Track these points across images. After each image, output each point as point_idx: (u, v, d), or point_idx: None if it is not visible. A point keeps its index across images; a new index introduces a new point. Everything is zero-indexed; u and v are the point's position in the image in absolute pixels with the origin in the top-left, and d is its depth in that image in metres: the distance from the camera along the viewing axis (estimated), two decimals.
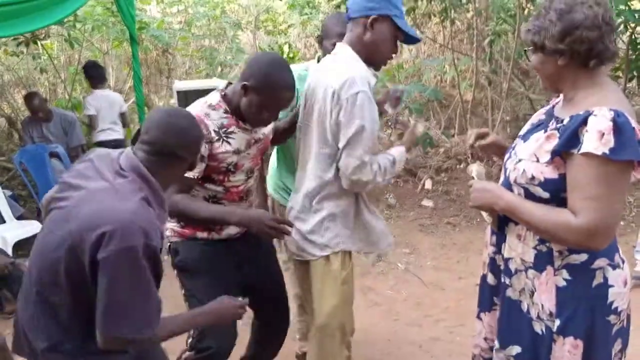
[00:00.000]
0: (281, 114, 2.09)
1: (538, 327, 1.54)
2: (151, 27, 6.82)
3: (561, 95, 1.56)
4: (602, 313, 1.45)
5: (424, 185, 5.35)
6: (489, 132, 1.85)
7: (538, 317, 1.53)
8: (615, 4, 3.55)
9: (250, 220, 1.90)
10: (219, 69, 7.26)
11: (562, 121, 1.44)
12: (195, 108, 1.92)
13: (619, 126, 1.31)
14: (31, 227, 3.81)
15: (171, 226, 2.07)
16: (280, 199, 2.58)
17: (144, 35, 6.69)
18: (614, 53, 1.42)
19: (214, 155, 1.90)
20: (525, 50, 1.52)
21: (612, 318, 1.46)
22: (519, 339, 1.58)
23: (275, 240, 2.39)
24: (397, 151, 2.02)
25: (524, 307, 1.57)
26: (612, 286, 1.45)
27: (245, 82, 1.85)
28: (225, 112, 1.93)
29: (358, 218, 2.00)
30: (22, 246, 4.00)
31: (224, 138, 1.91)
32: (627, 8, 3.70)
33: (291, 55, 7.19)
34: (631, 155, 1.31)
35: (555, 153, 1.40)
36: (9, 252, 3.51)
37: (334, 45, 2.27)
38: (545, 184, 1.43)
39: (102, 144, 4.87)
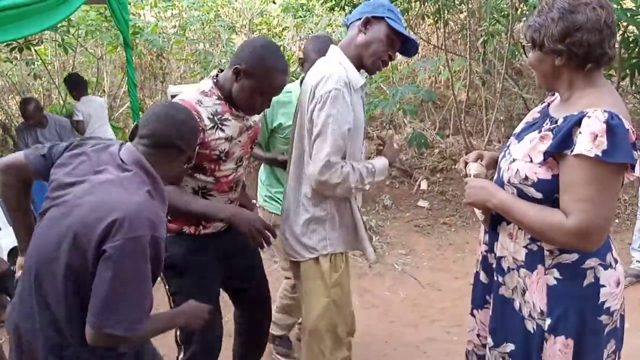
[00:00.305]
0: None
1: (530, 326, 1.54)
2: (145, 31, 6.81)
3: (557, 94, 1.57)
4: (593, 313, 1.45)
5: (419, 186, 5.36)
6: (481, 153, 1.81)
7: (530, 315, 1.53)
8: None
9: (241, 220, 1.89)
10: (214, 72, 7.25)
11: (556, 121, 1.44)
12: (188, 95, 1.89)
13: (613, 128, 1.30)
14: None
15: None
16: (270, 207, 2.63)
17: (138, 39, 6.69)
18: (611, 58, 1.41)
19: (207, 143, 1.86)
20: (523, 47, 1.52)
21: (603, 318, 1.46)
22: (512, 337, 1.58)
23: (274, 248, 2.40)
24: (380, 162, 1.99)
25: (516, 305, 1.58)
26: (603, 286, 1.45)
27: (237, 66, 1.80)
28: (219, 98, 1.89)
29: (347, 219, 1.98)
30: (17, 254, 3.98)
31: (219, 125, 1.88)
32: (619, 7, 3.72)
33: (285, 58, 7.19)
34: (623, 158, 1.31)
35: (548, 154, 1.40)
36: (4, 258, 3.49)
37: (313, 55, 2.33)
38: (539, 185, 1.43)
39: None
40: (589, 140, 1.31)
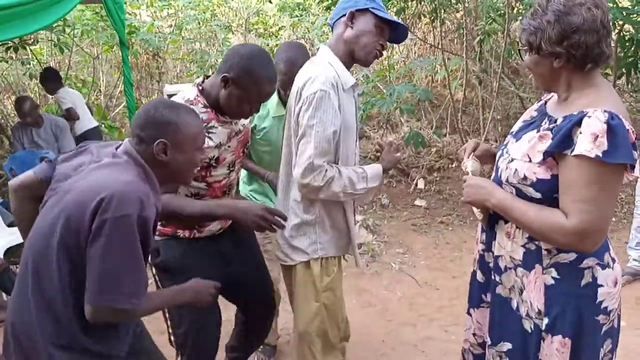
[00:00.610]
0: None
1: (527, 325, 1.54)
2: (141, 31, 6.80)
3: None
4: (591, 312, 1.45)
5: (416, 185, 5.37)
6: (480, 142, 1.85)
7: (527, 314, 1.53)
8: None
9: (242, 213, 1.82)
10: (210, 72, 7.24)
11: (555, 121, 1.43)
12: None
13: (613, 129, 1.30)
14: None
15: None
16: None
17: (134, 39, 6.67)
18: (608, 56, 1.41)
19: None
20: (519, 50, 1.51)
21: (601, 318, 1.46)
22: (510, 336, 1.58)
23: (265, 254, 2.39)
24: (373, 168, 1.95)
25: (514, 304, 1.58)
26: (601, 286, 1.45)
27: (225, 74, 1.80)
28: (204, 106, 1.88)
29: (339, 223, 1.96)
30: (14, 253, 3.97)
31: (205, 134, 1.84)
32: (614, 5, 3.73)
33: (274, 65, 7.18)
34: (624, 158, 1.30)
35: (548, 154, 1.39)
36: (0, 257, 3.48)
37: (280, 81, 2.32)
38: (538, 185, 1.43)
39: (87, 133, 5.09)
40: (589, 141, 1.30)
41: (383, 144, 2.14)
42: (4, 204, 4.36)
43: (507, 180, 1.50)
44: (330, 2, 5.69)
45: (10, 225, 3.95)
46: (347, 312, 2.20)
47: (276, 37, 7.99)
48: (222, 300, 2.20)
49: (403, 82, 6.17)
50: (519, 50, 1.51)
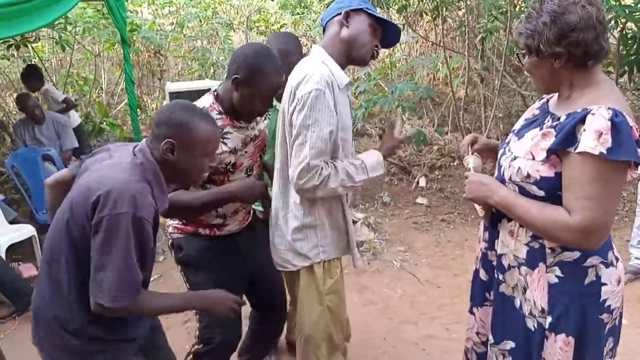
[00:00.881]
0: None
1: (530, 324, 1.54)
2: (143, 28, 6.80)
3: None
4: (595, 311, 1.45)
5: (418, 183, 5.36)
6: (478, 136, 1.85)
7: (530, 313, 1.53)
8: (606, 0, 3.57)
9: (243, 188, 1.92)
10: (212, 70, 7.24)
11: (558, 119, 1.43)
12: None
13: (617, 126, 1.29)
14: (24, 231, 3.78)
15: (173, 224, 2.11)
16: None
17: (136, 37, 6.67)
18: (607, 51, 1.41)
19: None
20: (517, 54, 1.50)
21: (604, 316, 1.46)
22: (512, 335, 1.58)
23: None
24: (370, 155, 1.91)
25: (517, 303, 1.57)
26: (605, 284, 1.45)
27: (235, 76, 1.86)
28: (219, 113, 1.94)
29: (338, 223, 1.94)
30: (16, 250, 3.98)
31: (220, 140, 1.91)
32: (617, 3, 3.71)
33: (277, 58, 7.17)
34: (628, 155, 1.30)
35: (551, 151, 1.39)
36: (2, 256, 3.49)
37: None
38: (541, 182, 1.42)
39: (79, 127, 5.26)
40: (593, 138, 1.30)
41: (393, 122, 2.11)
42: (6, 201, 4.37)
43: (510, 179, 1.50)
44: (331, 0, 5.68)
45: (12, 222, 3.96)
46: (348, 310, 2.20)
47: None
48: None
49: (405, 80, 6.16)
50: (517, 54, 1.50)
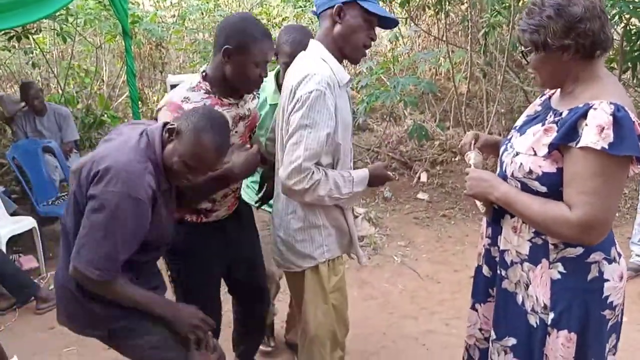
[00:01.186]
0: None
1: (532, 320, 1.54)
2: (144, 20, 6.77)
3: None
4: (597, 307, 1.45)
5: (419, 178, 5.35)
6: (478, 133, 1.84)
7: (532, 309, 1.53)
8: None
9: (238, 164, 1.87)
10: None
11: (560, 114, 1.42)
12: (175, 93, 1.88)
13: (619, 120, 1.29)
14: (24, 223, 3.78)
15: None
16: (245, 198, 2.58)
17: (137, 29, 6.64)
18: (612, 41, 1.42)
19: None
20: (522, 52, 1.47)
21: (607, 312, 1.46)
22: (514, 331, 1.58)
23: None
24: (361, 172, 1.86)
25: (519, 299, 1.57)
26: (607, 280, 1.45)
27: (226, 46, 1.80)
28: (206, 92, 1.88)
29: (339, 221, 1.91)
30: (16, 242, 3.98)
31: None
32: None
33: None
34: (630, 150, 1.30)
35: (553, 146, 1.39)
36: (3, 248, 3.49)
37: (286, 63, 2.23)
38: (543, 178, 1.42)
39: None
40: (595, 133, 1.30)
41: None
42: (7, 193, 4.37)
43: (512, 175, 1.49)
44: None
45: (13, 214, 3.96)
46: (348, 304, 2.20)
47: (279, 28, 7.95)
48: (222, 292, 2.21)
49: (407, 75, 6.14)
50: (522, 52, 1.47)
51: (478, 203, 1.66)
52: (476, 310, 1.78)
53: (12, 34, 5.31)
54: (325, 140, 1.70)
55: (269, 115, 2.45)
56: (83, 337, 1.82)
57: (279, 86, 2.44)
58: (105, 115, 6.44)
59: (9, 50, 6.33)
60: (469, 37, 5.70)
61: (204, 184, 1.85)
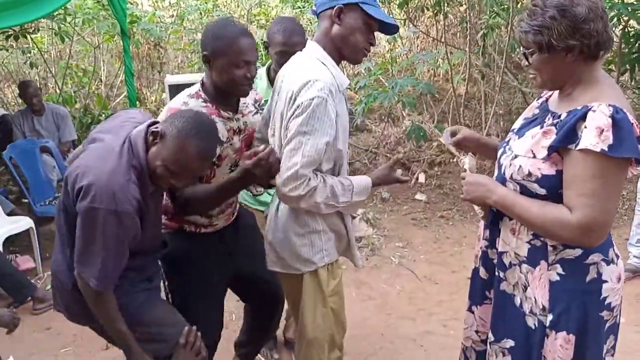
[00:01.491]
0: None
1: (531, 322, 1.54)
2: (142, 20, 6.76)
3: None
4: (596, 309, 1.45)
5: (417, 179, 5.35)
6: (460, 127, 1.85)
7: (531, 311, 1.53)
8: None
9: (254, 162, 1.72)
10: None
11: (559, 116, 1.42)
12: (176, 98, 1.88)
13: (618, 123, 1.29)
14: (21, 223, 3.77)
15: None
16: (245, 203, 2.55)
17: (135, 29, 6.63)
18: (613, 41, 1.42)
19: None
20: (524, 54, 1.47)
21: (605, 314, 1.46)
22: (512, 333, 1.58)
23: None
24: (361, 180, 1.83)
25: (517, 301, 1.57)
26: (605, 282, 1.45)
27: (204, 54, 1.81)
28: (204, 101, 1.87)
29: (338, 225, 1.89)
30: (13, 242, 3.97)
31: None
32: (620, 1, 3.70)
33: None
34: (629, 152, 1.30)
35: (552, 149, 1.39)
36: (0, 248, 3.48)
37: (278, 54, 2.22)
38: (542, 181, 1.42)
39: None
40: (594, 135, 1.30)
41: (396, 159, 1.98)
42: (4, 193, 4.36)
43: (511, 177, 1.49)
44: None
45: (10, 214, 3.95)
46: (345, 305, 2.18)
47: None
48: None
49: (405, 76, 6.14)
50: (524, 53, 1.46)
51: (476, 207, 1.66)
52: (472, 312, 1.77)
53: (9, 33, 5.30)
54: (324, 149, 1.67)
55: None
56: (80, 337, 1.84)
57: (271, 81, 2.39)
58: (103, 115, 6.42)
59: (7, 50, 6.32)
60: (467, 39, 5.71)
61: (219, 189, 1.81)
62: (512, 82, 5.92)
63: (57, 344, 2.94)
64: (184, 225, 2.00)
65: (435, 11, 5.85)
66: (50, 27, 6.30)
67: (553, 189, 1.41)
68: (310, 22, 7.42)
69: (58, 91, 6.60)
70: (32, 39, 6.26)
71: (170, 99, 4.39)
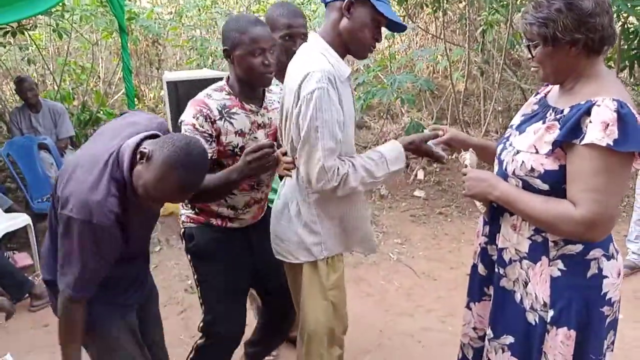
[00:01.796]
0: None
1: (531, 318, 1.53)
2: (141, 17, 6.74)
3: (550, 85, 1.54)
4: (597, 304, 1.45)
5: (416, 175, 5.35)
6: (444, 128, 1.85)
7: (531, 307, 1.52)
8: None
9: (249, 161, 1.74)
10: (210, 59, 7.18)
11: (561, 111, 1.42)
12: (202, 92, 1.94)
13: (623, 117, 1.29)
14: (19, 220, 3.76)
15: (187, 213, 2.08)
16: None
17: (134, 25, 6.62)
18: (616, 36, 1.41)
19: (219, 136, 1.88)
20: (527, 46, 1.46)
21: (605, 309, 1.46)
22: (512, 329, 1.57)
23: None
24: (389, 147, 1.82)
25: (517, 297, 1.56)
26: (606, 277, 1.44)
27: (225, 49, 1.87)
28: (228, 93, 1.93)
29: (345, 220, 1.89)
30: (10, 239, 3.96)
31: (226, 117, 1.89)
32: None
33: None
34: (634, 146, 1.30)
35: (557, 143, 1.38)
36: None
37: (283, 37, 2.20)
38: (545, 176, 1.41)
39: None
40: (600, 130, 1.29)
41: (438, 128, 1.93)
42: (1, 190, 4.35)
43: (513, 173, 1.48)
44: None
45: (7, 210, 3.94)
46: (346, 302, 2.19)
47: None
48: None
49: (404, 72, 6.13)
50: (528, 46, 1.45)
51: (478, 203, 1.65)
52: (470, 309, 1.77)
53: (7, 30, 5.27)
54: (339, 133, 1.69)
55: None
56: None
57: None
58: (102, 112, 6.41)
59: (4, 47, 6.29)
60: (466, 35, 5.70)
61: (218, 183, 1.80)
62: (511, 78, 5.92)
63: (55, 340, 2.88)
64: (211, 219, 2.04)
65: (435, 8, 5.85)
66: (48, 24, 6.27)
67: (556, 184, 1.40)
68: (309, 18, 7.40)
69: (56, 88, 6.58)
70: (29, 35, 6.24)
71: (169, 96, 4.41)
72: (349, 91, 1.84)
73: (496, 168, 1.60)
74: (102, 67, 7.44)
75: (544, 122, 1.45)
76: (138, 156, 1.52)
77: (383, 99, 4.88)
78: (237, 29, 1.83)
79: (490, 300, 1.67)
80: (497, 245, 1.61)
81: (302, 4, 7.50)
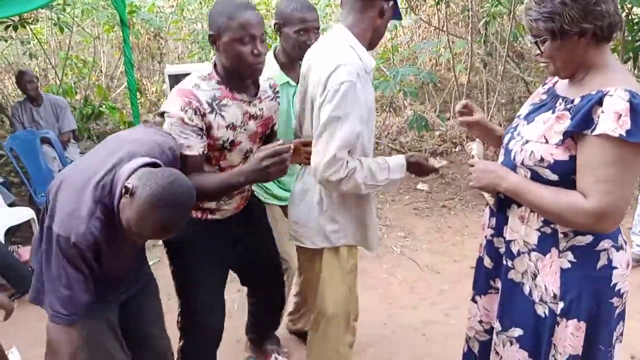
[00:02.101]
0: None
1: (540, 310, 1.52)
2: (142, 10, 6.73)
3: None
4: (607, 295, 1.44)
5: None
6: (477, 109, 1.83)
7: (541, 299, 1.51)
8: None
9: (252, 169, 1.70)
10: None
11: (572, 101, 1.40)
12: (186, 82, 1.81)
13: (635, 107, 1.27)
14: (23, 214, 3.77)
15: None
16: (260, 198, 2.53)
17: (135, 19, 6.60)
18: (622, 22, 1.40)
19: (210, 130, 1.78)
20: (535, 42, 1.43)
21: (615, 300, 1.45)
22: (521, 322, 1.57)
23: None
24: (396, 160, 1.86)
25: (526, 289, 1.56)
26: (615, 268, 1.44)
27: (209, 34, 1.76)
28: (218, 82, 1.81)
29: (361, 215, 1.92)
30: (14, 233, 3.97)
31: (217, 110, 1.78)
32: None
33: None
34: None
35: (568, 133, 1.36)
36: (1, 239, 3.48)
37: (298, 32, 2.18)
38: (555, 166, 1.40)
39: None
40: (612, 120, 1.28)
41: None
42: (5, 184, 4.35)
43: (522, 163, 1.47)
44: None
45: (11, 205, 3.95)
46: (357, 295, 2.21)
47: None
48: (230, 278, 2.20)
49: (407, 65, 6.11)
50: (536, 42, 1.43)
51: (485, 195, 1.63)
52: (476, 302, 1.76)
53: (9, 24, 5.27)
54: (359, 131, 1.72)
55: (283, 98, 2.30)
56: None
57: (280, 65, 2.32)
58: (104, 106, 6.41)
59: (6, 41, 6.29)
60: (469, 28, 5.67)
61: (218, 188, 1.77)
62: (515, 70, 5.89)
63: None
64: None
65: (437, 0, 5.81)
66: (50, 18, 6.26)
67: (566, 174, 1.39)
68: None
69: (58, 82, 6.58)
70: (31, 29, 6.23)
71: (171, 89, 4.39)
72: (370, 83, 1.86)
73: (502, 157, 1.59)
74: (104, 61, 7.43)
75: (553, 112, 1.44)
76: (123, 190, 1.47)
77: (386, 92, 4.86)
78: (225, 13, 1.70)
79: (496, 293, 1.67)
80: (504, 237, 1.60)
81: None
